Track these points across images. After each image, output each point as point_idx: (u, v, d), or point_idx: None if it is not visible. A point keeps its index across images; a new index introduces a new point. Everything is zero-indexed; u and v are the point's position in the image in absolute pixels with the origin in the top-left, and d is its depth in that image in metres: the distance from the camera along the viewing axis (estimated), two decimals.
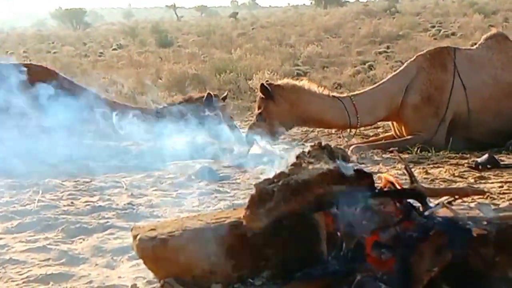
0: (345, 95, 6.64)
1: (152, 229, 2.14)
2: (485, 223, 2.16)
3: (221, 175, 5.16)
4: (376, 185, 2.27)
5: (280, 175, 2.13)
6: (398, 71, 6.73)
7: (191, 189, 4.71)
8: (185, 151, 5.92)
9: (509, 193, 4.21)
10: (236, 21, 35.12)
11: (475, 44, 7.03)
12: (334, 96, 6.38)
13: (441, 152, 5.84)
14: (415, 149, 5.91)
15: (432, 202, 2.41)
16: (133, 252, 2.84)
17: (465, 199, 2.79)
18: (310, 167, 2.14)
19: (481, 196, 3.59)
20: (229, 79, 12.75)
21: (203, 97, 6.74)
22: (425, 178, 4.72)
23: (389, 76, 6.92)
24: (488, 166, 5.08)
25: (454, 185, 4.43)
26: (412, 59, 6.61)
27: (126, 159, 5.74)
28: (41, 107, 6.02)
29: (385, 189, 2.31)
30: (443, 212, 2.33)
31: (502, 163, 5.21)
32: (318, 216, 2.16)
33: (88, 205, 4.22)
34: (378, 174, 2.98)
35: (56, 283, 2.85)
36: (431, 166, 5.32)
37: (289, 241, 2.15)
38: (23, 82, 6.07)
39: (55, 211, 4.05)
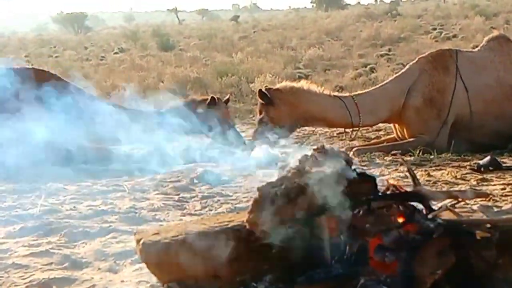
0: (347, 94, 6.65)
1: (155, 233, 2.14)
2: (488, 225, 2.16)
3: (223, 178, 5.16)
4: (379, 188, 2.26)
5: (283, 178, 2.13)
6: (400, 73, 6.73)
7: (193, 193, 4.71)
8: (187, 155, 5.92)
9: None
10: (237, 25, 35.13)
11: (477, 46, 7.04)
12: (335, 96, 6.39)
13: (443, 155, 5.85)
14: (417, 152, 5.91)
15: (435, 204, 2.41)
16: (136, 256, 2.84)
17: (468, 201, 2.79)
18: (313, 170, 2.14)
19: (484, 199, 3.59)
20: (230, 82, 12.77)
21: (205, 99, 6.74)
22: (427, 181, 4.72)
23: (391, 78, 6.92)
24: (490, 168, 5.08)
25: (456, 187, 4.43)
26: (414, 61, 6.61)
27: (128, 163, 5.74)
28: (43, 110, 6.02)
29: (388, 192, 2.31)
30: (446, 215, 2.33)
31: (504, 165, 5.21)
32: (321, 219, 2.16)
33: (91, 209, 4.22)
34: (381, 177, 2.98)
35: (59, 287, 2.85)
36: (433, 168, 5.32)
37: (292, 245, 2.15)
38: (23, 85, 6.07)
39: (58, 215, 4.05)
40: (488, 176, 4.88)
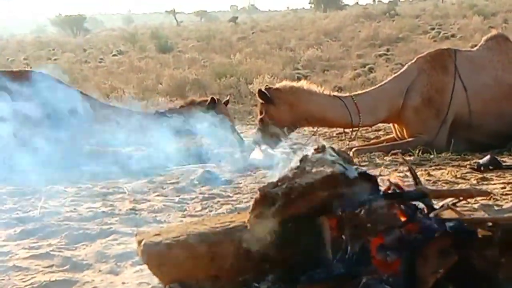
0: (346, 94, 6.66)
1: (156, 234, 2.13)
2: (489, 224, 2.16)
3: (223, 179, 5.16)
4: (380, 187, 2.26)
5: (284, 178, 2.13)
6: (398, 73, 6.73)
7: (193, 194, 4.71)
8: (187, 156, 5.93)
9: None
10: (235, 26, 35.14)
11: (475, 46, 7.04)
12: (335, 96, 6.39)
13: (442, 154, 5.84)
14: (417, 151, 5.91)
15: (437, 203, 2.41)
16: (137, 257, 2.84)
17: (469, 200, 2.79)
18: (314, 170, 2.14)
19: (485, 197, 3.59)
20: (229, 83, 12.76)
21: (205, 101, 6.75)
22: (427, 180, 4.72)
23: (389, 78, 6.92)
24: (490, 167, 5.08)
25: (457, 187, 4.43)
26: (412, 61, 6.61)
27: (128, 165, 5.73)
28: (42, 113, 6.02)
29: (390, 191, 2.31)
30: (447, 214, 2.33)
31: (504, 164, 5.21)
32: (323, 219, 2.16)
33: (91, 211, 4.22)
34: (381, 177, 2.98)
35: None
36: (433, 168, 5.32)
37: (293, 245, 2.15)
38: (25, 90, 6.08)
39: (58, 217, 4.05)
40: (488, 175, 4.88)
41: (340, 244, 2.17)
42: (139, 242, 2.12)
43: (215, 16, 63.39)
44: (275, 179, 2.19)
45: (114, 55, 23.49)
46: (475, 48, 6.82)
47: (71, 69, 17.47)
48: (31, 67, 15.23)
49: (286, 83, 6.48)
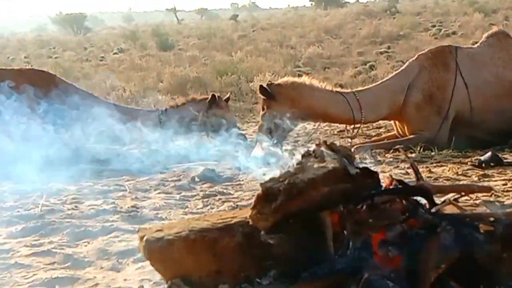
0: (348, 90, 6.66)
1: (158, 230, 2.13)
2: (491, 219, 2.16)
3: (224, 177, 5.16)
4: (381, 183, 2.26)
5: (286, 174, 2.12)
6: (399, 70, 6.74)
7: (194, 191, 4.71)
8: (188, 153, 5.92)
9: None
10: (236, 24, 35.11)
11: (476, 43, 7.04)
12: (337, 91, 6.39)
13: (444, 151, 5.84)
14: (418, 148, 5.91)
15: (438, 199, 2.41)
16: (139, 254, 2.84)
17: (470, 195, 2.79)
18: (316, 166, 2.14)
19: (487, 193, 3.59)
20: (230, 81, 12.77)
21: (206, 98, 6.75)
22: (428, 177, 4.72)
23: (391, 75, 6.92)
24: (491, 164, 5.09)
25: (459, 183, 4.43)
26: (413, 58, 6.62)
27: (129, 162, 5.74)
28: (43, 111, 6.03)
29: (391, 187, 2.31)
30: (449, 209, 2.33)
31: (505, 161, 5.21)
32: (324, 214, 2.16)
33: (92, 208, 4.22)
34: (382, 174, 2.98)
35: (61, 286, 2.85)
36: (434, 165, 5.32)
37: (295, 240, 2.15)
38: (24, 87, 6.08)
39: (59, 215, 4.05)
40: (489, 172, 4.88)
41: (342, 239, 2.17)
42: (141, 238, 2.12)
43: (215, 14, 63.34)
44: (276, 175, 2.19)
45: (115, 53, 23.48)
46: (476, 45, 6.83)
47: (72, 67, 17.48)
48: (31, 66, 15.23)
49: (288, 78, 6.49)
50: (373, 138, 6.96)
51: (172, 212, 4.08)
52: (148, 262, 2.24)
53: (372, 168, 2.29)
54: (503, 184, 4.41)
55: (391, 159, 5.62)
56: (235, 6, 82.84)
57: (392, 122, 6.82)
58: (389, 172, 4.82)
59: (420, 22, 24.57)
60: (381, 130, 7.65)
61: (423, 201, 2.27)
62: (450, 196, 2.43)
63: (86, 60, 21.54)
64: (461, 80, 6.27)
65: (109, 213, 4.09)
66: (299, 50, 18.49)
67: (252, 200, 2.16)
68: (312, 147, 2.33)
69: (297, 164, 2.18)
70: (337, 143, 2.33)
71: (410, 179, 2.59)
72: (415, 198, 2.29)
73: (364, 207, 2.18)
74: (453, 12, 27.08)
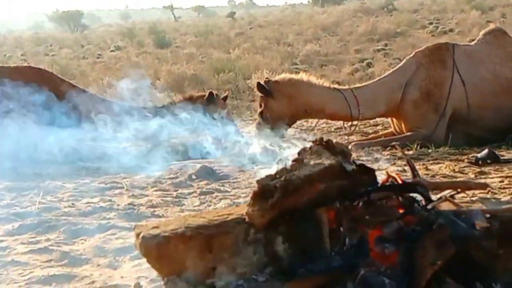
0: (346, 87, 6.66)
1: (155, 227, 2.13)
2: (487, 215, 2.16)
3: (221, 174, 5.16)
4: (378, 179, 2.26)
5: (282, 171, 2.12)
6: (397, 67, 6.74)
7: (191, 189, 4.71)
8: (185, 151, 5.92)
9: (510, 187, 4.23)
10: (233, 21, 35.08)
11: (473, 40, 7.04)
12: (334, 88, 6.40)
13: (441, 148, 5.85)
14: (415, 145, 5.91)
15: (435, 196, 2.41)
16: (135, 252, 2.84)
17: (467, 192, 2.79)
18: (312, 162, 2.14)
19: (483, 190, 3.59)
20: (227, 79, 12.76)
21: (203, 96, 6.74)
22: (425, 174, 4.73)
23: (388, 72, 6.93)
24: (488, 161, 5.10)
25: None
26: (411, 55, 6.63)
27: (126, 160, 5.73)
28: (40, 109, 6.02)
29: (387, 183, 2.31)
30: (445, 206, 2.33)
31: (502, 158, 5.23)
32: (321, 211, 2.16)
33: (89, 206, 4.22)
34: (379, 171, 2.98)
35: (58, 284, 2.86)
36: (431, 162, 5.33)
37: (291, 237, 2.15)
38: (21, 84, 6.07)
39: (56, 212, 4.06)
40: (486, 169, 4.90)
41: (338, 236, 2.17)
42: (137, 235, 2.12)
43: (213, 11, 63.25)
44: (273, 172, 2.19)
45: (112, 50, 23.43)
46: (473, 43, 6.83)
47: (69, 65, 17.45)
48: (28, 63, 15.20)
49: (285, 75, 6.49)
50: (370, 136, 6.96)
51: (168, 209, 4.08)
52: (144, 259, 2.23)
53: (369, 164, 2.29)
54: (500, 181, 4.42)
55: (388, 156, 5.63)
56: (232, 3, 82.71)
57: (389, 119, 6.83)
58: (386, 169, 4.83)
59: (417, 20, 24.57)
60: (378, 127, 7.65)
61: (419, 197, 2.28)
62: (447, 192, 2.43)
63: (83, 57, 21.50)
64: (458, 78, 6.28)
65: (106, 210, 4.09)
66: (296, 48, 18.49)
67: (249, 197, 2.16)
68: (309, 143, 2.33)
69: (294, 160, 2.18)
70: (334, 140, 2.33)
71: (408, 176, 2.59)
72: (411, 195, 2.29)
73: (361, 203, 2.19)
74: (450, 9, 27.08)
